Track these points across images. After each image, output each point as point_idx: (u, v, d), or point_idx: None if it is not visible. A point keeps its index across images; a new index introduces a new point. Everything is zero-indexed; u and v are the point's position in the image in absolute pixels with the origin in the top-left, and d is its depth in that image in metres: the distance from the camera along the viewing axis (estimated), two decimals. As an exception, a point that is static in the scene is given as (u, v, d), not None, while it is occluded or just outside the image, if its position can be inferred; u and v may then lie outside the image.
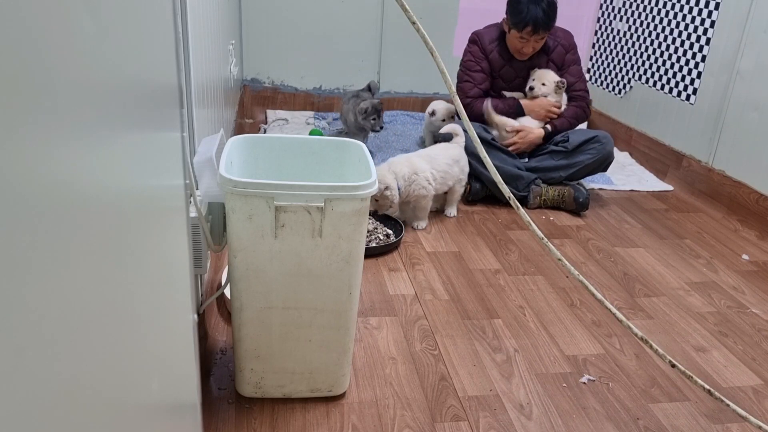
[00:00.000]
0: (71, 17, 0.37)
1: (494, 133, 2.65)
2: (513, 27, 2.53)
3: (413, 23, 1.01)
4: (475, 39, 2.70)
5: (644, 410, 1.41)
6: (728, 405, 1.17)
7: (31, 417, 0.31)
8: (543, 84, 2.63)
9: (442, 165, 2.27)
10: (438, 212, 2.42)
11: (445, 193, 2.39)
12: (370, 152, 2.36)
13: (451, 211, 2.41)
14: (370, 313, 1.71)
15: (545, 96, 2.64)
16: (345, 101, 3.03)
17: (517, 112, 2.66)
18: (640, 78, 3.27)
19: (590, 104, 2.73)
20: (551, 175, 2.59)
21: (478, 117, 2.64)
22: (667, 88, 3.06)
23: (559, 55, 2.66)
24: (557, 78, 2.62)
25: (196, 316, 0.92)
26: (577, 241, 2.28)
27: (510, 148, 2.65)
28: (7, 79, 0.28)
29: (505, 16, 2.60)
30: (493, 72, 2.69)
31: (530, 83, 2.66)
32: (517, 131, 2.63)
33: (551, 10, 2.48)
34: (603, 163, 2.59)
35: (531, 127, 2.64)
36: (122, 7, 0.49)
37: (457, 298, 1.82)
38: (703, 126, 2.83)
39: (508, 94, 2.71)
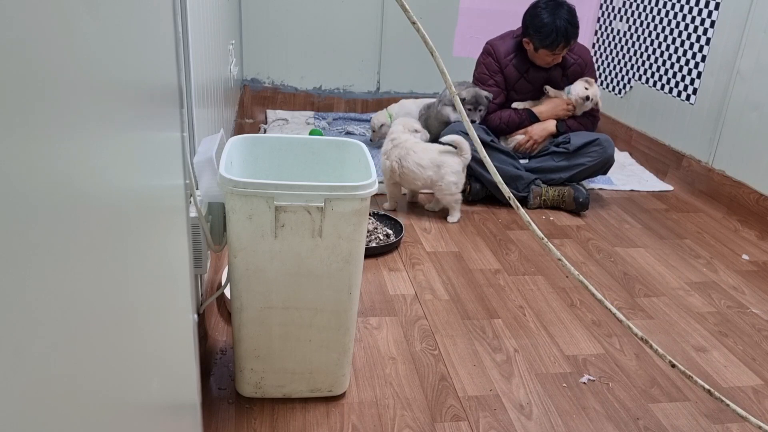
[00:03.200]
0: (71, 17, 0.37)
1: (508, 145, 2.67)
2: (545, 48, 2.48)
3: (413, 23, 1.01)
4: (489, 50, 2.65)
5: (644, 410, 1.41)
6: (728, 405, 1.17)
7: (31, 417, 0.31)
8: (585, 88, 2.61)
9: (422, 159, 2.28)
10: (438, 212, 2.42)
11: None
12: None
13: (452, 218, 2.37)
14: (370, 313, 1.71)
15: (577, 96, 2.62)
16: (432, 108, 2.81)
17: (530, 121, 2.65)
18: (640, 78, 3.27)
19: (597, 122, 2.75)
20: (551, 176, 2.59)
21: (493, 132, 2.64)
22: (667, 88, 3.06)
23: (575, 73, 2.65)
24: (584, 93, 2.63)
25: (196, 316, 0.92)
26: (577, 241, 2.28)
27: (526, 145, 2.65)
28: (7, 78, 0.28)
29: (524, 37, 2.55)
30: (507, 86, 2.66)
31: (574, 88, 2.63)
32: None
33: (573, 18, 2.45)
34: (603, 167, 2.58)
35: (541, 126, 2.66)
36: (122, 7, 0.49)
37: (457, 298, 1.82)
38: (703, 126, 2.83)
39: (519, 105, 2.70)
